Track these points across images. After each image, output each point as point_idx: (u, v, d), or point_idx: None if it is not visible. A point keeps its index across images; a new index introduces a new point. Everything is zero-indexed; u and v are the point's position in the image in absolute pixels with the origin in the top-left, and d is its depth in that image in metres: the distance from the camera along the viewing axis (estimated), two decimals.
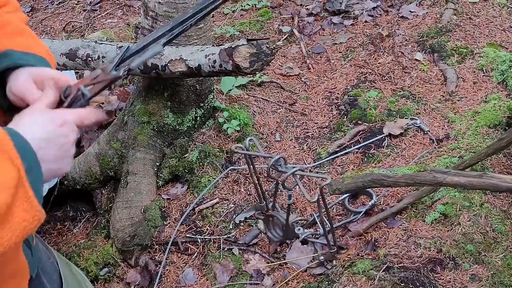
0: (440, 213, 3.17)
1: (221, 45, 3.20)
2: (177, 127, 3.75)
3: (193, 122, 3.83)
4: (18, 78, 1.48)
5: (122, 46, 3.50)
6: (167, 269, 3.39)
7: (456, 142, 3.65)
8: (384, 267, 2.91)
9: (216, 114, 3.94)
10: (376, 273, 2.87)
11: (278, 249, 3.36)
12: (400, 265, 2.93)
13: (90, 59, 3.54)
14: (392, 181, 2.67)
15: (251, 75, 4.19)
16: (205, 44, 3.53)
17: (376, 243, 3.17)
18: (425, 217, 3.20)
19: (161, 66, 3.30)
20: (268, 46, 3.03)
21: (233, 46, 3.08)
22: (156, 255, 3.46)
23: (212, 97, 3.88)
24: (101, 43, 3.58)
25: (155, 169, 3.78)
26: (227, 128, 3.84)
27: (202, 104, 3.82)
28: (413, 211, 3.26)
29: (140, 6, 5.71)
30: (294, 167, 2.61)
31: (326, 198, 3.13)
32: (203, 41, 3.53)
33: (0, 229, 1.18)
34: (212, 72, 3.22)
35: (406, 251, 3.05)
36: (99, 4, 6.06)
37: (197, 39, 3.48)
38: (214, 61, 3.15)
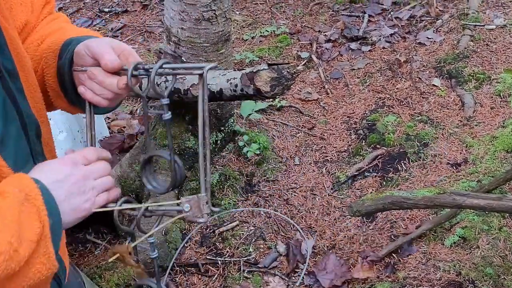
0: (459, 237, 3.19)
1: (242, 69, 3.26)
2: (198, 150, 3.80)
3: (214, 145, 3.88)
4: (98, 41, 1.51)
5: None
6: None
7: (474, 166, 3.67)
8: None
9: (236, 138, 3.99)
10: None
11: (297, 270, 3.38)
12: (419, 287, 2.95)
13: None
14: (412, 203, 2.70)
15: (271, 100, 4.26)
16: (226, 69, 3.60)
17: (395, 266, 3.19)
18: (444, 240, 3.22)
19: (183, 90, 3.37)
20: (288, 70, 3.08)
21: (254, 71, 3.13)
22: (177, 277, 3.49)
23: (232, 121, 3.94)
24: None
25: (176, 192, 3.82)
26: (247, 151, 3.89)
27: (222, 128, 3.88)
28: (432, 234, 3.28)
29: (160, 33, 5.81)
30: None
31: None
32: (224, 65, 3.60)
33: (15, 278, 1.21)
34: (234, 96, 3.28)
35: (426, 274, 3.07)
36: (120, 31, 6.17)
37: (218, 63, 3.54)
38: (236, 85, 3.21)
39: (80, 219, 1.42)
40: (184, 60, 3.53)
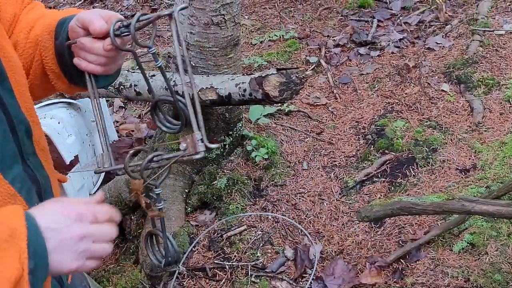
0: (468, 243, 3.18)
1: (251, 74, 3.26)
2: (206, 154, 3.81)
3: (222, 149, 3.89)
4: (88, 12, 1.53)
5: (154, 75, 3.60)
6: None
7: (483, 172, 3.66)
8: None
9: (245, 142, 4.00)
10: None
11: (305, 275, 3.38)
12: None
13: (122, 87, 3.63)
14: (421, 209, 2.70)
15: (280, 104, 4.26)
16: (235, 73, 3.60)
17: (403, 272, 3.18)
18: (452, 246, 3.21)
19: (191, 95, 3.37)
20: (297, 75, 3.09)
21: (263, 75, 3.14)
22: (184, 281, 3.49)
23: (240, 125, 3.95)
24: (133, 72, 3.68)
25: (184, 196, 3.83)
26: (255, 156, 3.89)
27: (231, 132, 3.89)
28: (441, 240, 3.27)
29: (169, 37, 5.83)
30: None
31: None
32: (233, 70, 3.60)
33: None
34: (242, 100, 3.29)
35: (434, 280, 3.06)
36: None
37: (227, 68, 3.55)
38: (244, 90, 3.21)
39: (62, 274, 1.38)
40: (193, 64, 3.53)
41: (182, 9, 1.46)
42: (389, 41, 5.21)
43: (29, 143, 1.53)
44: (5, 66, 1.47)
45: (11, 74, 1.49)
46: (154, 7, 6.48)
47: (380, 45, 5.19)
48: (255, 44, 5.44)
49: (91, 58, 1.54)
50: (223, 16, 3.38)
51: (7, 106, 1.44)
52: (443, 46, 4.97)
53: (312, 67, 5.02)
